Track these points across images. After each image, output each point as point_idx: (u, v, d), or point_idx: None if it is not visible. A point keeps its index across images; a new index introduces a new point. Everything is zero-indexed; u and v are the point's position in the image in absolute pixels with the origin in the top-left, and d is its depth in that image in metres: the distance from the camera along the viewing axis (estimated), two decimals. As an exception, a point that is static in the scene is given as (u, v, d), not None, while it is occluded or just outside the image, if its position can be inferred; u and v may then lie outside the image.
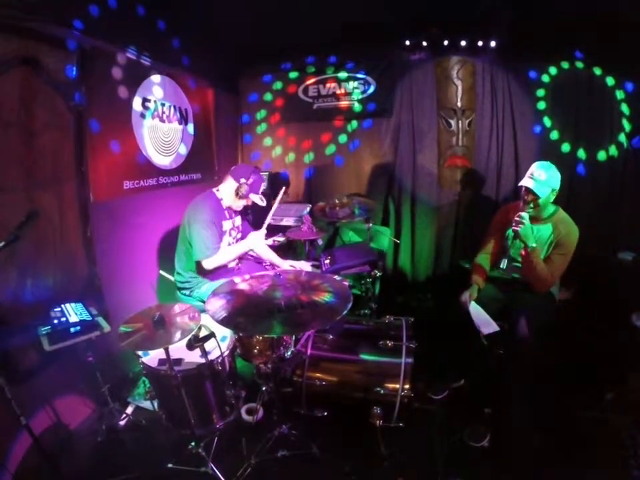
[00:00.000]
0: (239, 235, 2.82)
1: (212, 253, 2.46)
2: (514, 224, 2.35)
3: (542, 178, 2.34)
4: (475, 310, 2.42)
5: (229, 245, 2.68)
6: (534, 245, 2.34)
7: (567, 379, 2.67)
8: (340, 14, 3.20)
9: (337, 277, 1.99)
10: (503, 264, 2.40)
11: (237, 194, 2.60)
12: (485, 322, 2.35)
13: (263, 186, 2.70)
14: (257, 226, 2.86)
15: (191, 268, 2.59)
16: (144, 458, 2.13)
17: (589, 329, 2.94)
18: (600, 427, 2.30)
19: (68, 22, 2.30)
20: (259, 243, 2.67)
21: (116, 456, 2.18)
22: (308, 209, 3.83)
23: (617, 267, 3.15)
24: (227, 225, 2.66)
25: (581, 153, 3.76)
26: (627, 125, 3.68)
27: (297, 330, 1.82)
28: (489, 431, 2.28)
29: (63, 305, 2.17)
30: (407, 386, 2.11)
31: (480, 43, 3.73)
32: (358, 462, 2.09)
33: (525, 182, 2.39)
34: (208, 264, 2.47)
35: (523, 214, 2.35)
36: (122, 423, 2.34)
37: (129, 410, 2.45)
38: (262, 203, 2.68)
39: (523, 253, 2.40)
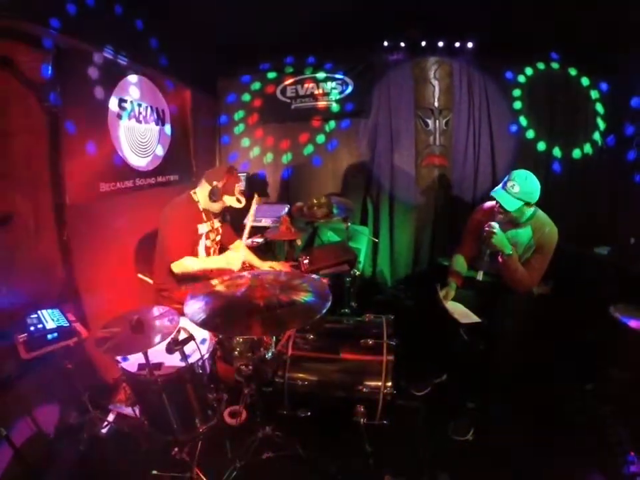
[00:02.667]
0: (218, 238, 2.79)
1: (181, 257, 2.41)
2: (485, 234, 2.33)
3: (514, 191, 2.27)
4: (452, 305, 2.45)
5: (207, 247, 2.65)
6: (510, 252, 2.32)
7: (547, 371, 2.74)
8: (319, 14, 3.20)
9: (315, 276, 1.99)
10: (479, 275, 2.41)
11: (210, 197, 2.54)
12: (464, 314, 2.39)
13: (240, 186, 2.65)
14: (235, 227, 2.84)
15: (167, 270, 2.53)
16: (127, 465, 2.10)
17: (568, 322, 3.00)
18: (582, 417, 2.38)
19: (44, 20, 2.25)
20: (233, 264, 2.51)
21: (99, 465, 2.15)
22: (286, 209, 3.82)
23: (594, 262, 3.23)
24: (203, 228, 2.61)
25: (557, 152, 3.87)
26: (601, 124, 3.81)
27: (277, 330, 1.81)
28: (472, 425, 2.33)
29: (39, 311, 2.10)
30: (388, 383, 2.12)
31: (457, 44, 3.81)
32: (344, 461, 2.10)
33: (495, 193, 2.34)
34: (176, 267, 2.41)
35: (493, 223, 2.33)
36: (104, 430, 2.29)
37: (111, 417, 2.39)
38: (238, 205, 2.64)
39: (500, 260, 2.38)
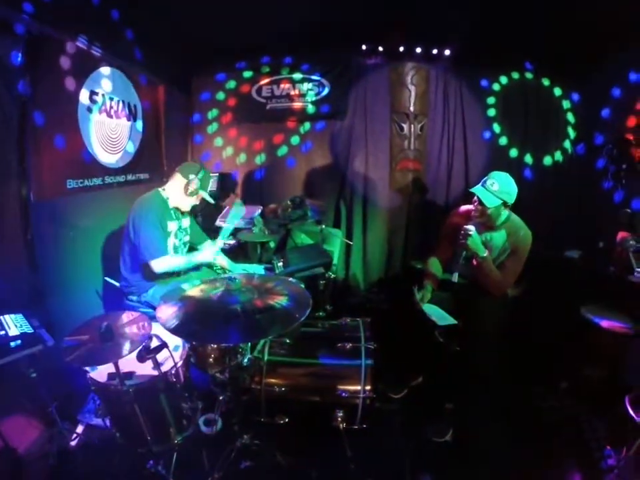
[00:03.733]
0: (187, 238, 2.71)
1: (161, 254, 2.34)
2: (461, 237, 2.36)
3: (494, 188, 2.33)
4: (429, 307, 2.46)
5: (175, 247, 2.57)
6: (485, 254, 2.36)
7: (522, 372, 2.78)
8: (297, 15, 3.18)
9: (291, 280, 1.95)
10: (454, 277, 2.42)
11: (186, 191, 2.48)
12: (440, 316, 2.40)
13: (211, 185, 2.61)
14: (206, 230, 2.77)
15: (136, 271, 2.47)
16: (99, 480, 1.99)
17: (541, 323, 3.08)
18: (558, 415, 2.43)
19: (17, 4, 2.13)
20: (208, 258, 2.57)
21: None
22: (259, 210, 3.76)
23: (565, 265, 3.32)
24: (172, 225, 2.54)
25: (528, 158, 3.98)
26: (572, 133, 3.95)
27: (256, 336, 1.76)
28: (450, 426, 2.34)
29: (1, 317, 1.97)
30: (368, 387, 2.11)
31: (435, 51, 3.86)
32: (324, 467, 2.07)
33: (475, 189, 2.39)
34: (157, 266, 2.33)
35: (469, 226, 2.36)
36: (73, 443, 2.16)
37: (80, 429, 2.25)
38: (212, 200, 2.63)
39: (475, 262, 2.42)
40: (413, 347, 2.69)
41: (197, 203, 2.61)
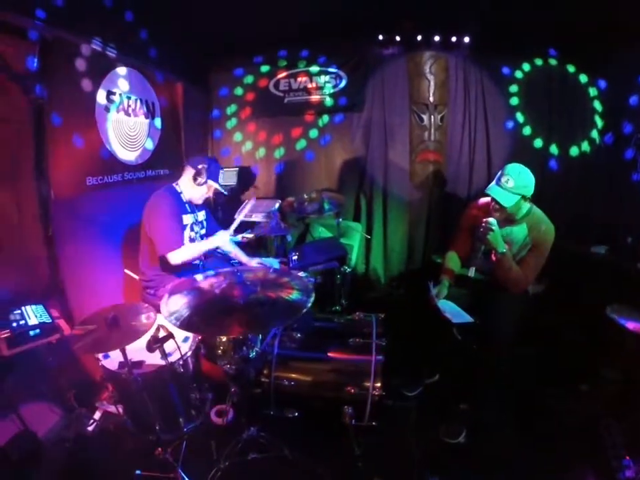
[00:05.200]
0: (203, 231, 2.75)
1: (177, 246, 2.38)
2: (482, 230, 2.25)
3: (509, 185, 2.20)
4: (444, 304, 2.40)
5: (190, 240, 2.60)
6: (504, 250, 2.26)
7: (541, 372, 2.70)
8: (313, 7, 3.16)
9: (302, 274, 1.94)
10: (471, 272, 2.33)
11: (194, 180, 2.52)
12: (456, 313, 2.34)
13: (228, 179, 2.63)
14: (226, 224, 2.79)
15: (154, 265, 2.52)
16: (113, 465, 2.06)
17: (563, 322, 2.97)
18: (576, 419, 2.32)
19: (29, 11, 2.20)
20: (224, 241, 2.62)
21: (85, 463, 2.11)
22: (277, 204, 3.77)
23: (590, 261, 3.18)
24: (187, 219, 2.59)
25: (554, 149, 3.82)
26: (599, 122, 3.75)
27: (256, 329, 1.76)
28: (464, 427, 2.28)
29: (22, 308, 2.07)
30: (377, 384, 2.08)
31: (453, 39, 3.75)
32: (331, 463, 2.05)
33: (490, 190, 2.27)
34: (174, 258, 2.37)
35: (492, 220, 2.24)
36: (90, 428, 2.25)
37: (97, 415, 2.34)
38: (224, 191, 2.66)
39: (494, 258, 2.32)
40: (430, 344, 2.65)
41: (209, 194, 2.64)
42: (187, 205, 2.60)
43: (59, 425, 2.28)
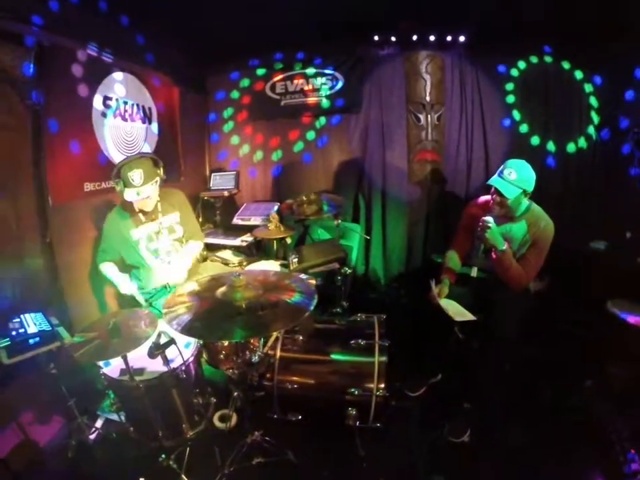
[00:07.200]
0: (177, 235, 2.65)
1: (100, 261, 2.42)
2: (479, 229, 2.27)
3: (512, 178, 2.23)
4: (446, 302, 2.40)
5: (155, 250, 2.55)
6: (504, 247, 2.27)
7: (545, 370, 2.69)
8: (308, 9, 3.14)
9: (303, 276, 1.93)
10: (473, 272, 2.35)
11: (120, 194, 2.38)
12: (458, 312, 2.33)
13: (137, 176, 2.31)
14: (224, 228, 2.77)
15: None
16: (116, 473, 2.05)
17: (565, 319, 2.96)
18: (581, 415, 2.32)
19: (26, 17, 2.20)
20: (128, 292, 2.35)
21: (87, 472, 2.09)
22: (276, 207, 3.75)
23: (590, 257, 3.18)
24: (140, 232, 2.50)
25: (551, 146, 3.81)
26: (595, 118, 3.75)
27: (259, 333, 1.75)
28: (468, 426, 2.28)
29: (22, 316, 2.05)
30: (381, 385, 2.07)
31: (449, 38, 3.73)
32: (336, 466, 2.06)
33: (493, 181, 2.30)
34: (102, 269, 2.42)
35: (488, 218, 2.27)
36: (92, 437, 2.23)
37: (99, 423, 2.34)
38: (135, 197, 2.34)
39: (494, 256, 2.32)
40: (433, 344, 2.65)
41: (145, 197, 2.37)
42: (140, 216, 2.50)
43: (60, 434, 2.27)
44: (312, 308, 1.60)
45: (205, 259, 3.04)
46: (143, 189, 2.33)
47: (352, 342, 2.19)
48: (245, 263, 3.17)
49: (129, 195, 2.32)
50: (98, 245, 2.56)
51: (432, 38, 3.73)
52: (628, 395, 2.28)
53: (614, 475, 1.93)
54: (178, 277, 2.45)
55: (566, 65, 3.70)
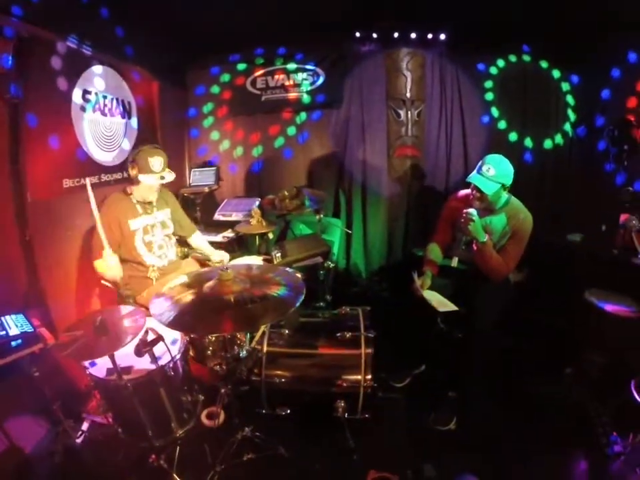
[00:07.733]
0: (169, 231, 2.67)
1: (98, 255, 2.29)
2: (463, 220, 2.32)
3: (490, 174, 2.29)
4: (429, 294, 2.44)
5: (148, 243, 2.51)
6: (485, 239, 2.32)
7: (526, 358, 2.78)
8: (290, 4, 3.14)
9: (288, 270, 1.93)
10: (454, 262, 2.42)
11: (132, 180, 2.43)
12: (441, 303, 2.38)
13: (158, 163, 2.41)
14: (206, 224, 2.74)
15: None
16: (105, 476, 2.02)
17: (544, 309, 3.05)
18: (563, 401, 2.41)
19: (5, 8, 2.13)
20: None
21: (75, 477, 2.06)
22: (257, 202, 3.74)
23: (567, 249, 3.28)
24: (137, 223, 2.47)
25: (528, 142, 3.93)
26: (572, 115, 3.88)
27: (249, 326, 1.75)
28: (454, 414, 2.34)
29: (2, 318, 1.99)
30: (368, 376, 2.11)
31: (430, 36, 3.80)
32: (327, 458, 2.08)
33: (472, 178, 2.35)
34: (98, 267, 2.31)
35: (472, 210, 2.32)
36: (78, 440, 2.18)
37: (85, 426, 2.28)
38: (161, 180, 2.44)
39: (475, 247, 2.38)
40: (416, 335, 2.69)
41: (168, 181, 2.49)
42: (138, 207, 2.49)
43: (46, 439, 2.19)
44: (301, 299, 1.61)
45: (185, 256, 3.00)
46: (166, 175, 2.46)
47: (338, 334, 2.21)
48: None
49: (148, 179, 2.39)
50: (88, 241, 2.49)
51: (413, 35, 3.79)
52: (606, 380, 2.37)
53: (598, 457, 2.01)
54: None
55: (544, 64, 3.82)
